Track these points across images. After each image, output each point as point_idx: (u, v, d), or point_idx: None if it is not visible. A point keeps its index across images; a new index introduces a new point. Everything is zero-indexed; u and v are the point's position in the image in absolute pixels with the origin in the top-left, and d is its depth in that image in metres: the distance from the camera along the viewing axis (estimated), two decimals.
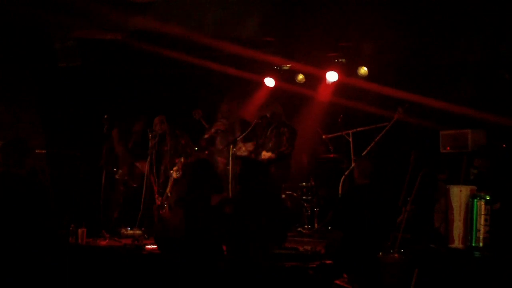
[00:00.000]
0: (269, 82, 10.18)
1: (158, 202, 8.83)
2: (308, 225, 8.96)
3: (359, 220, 6.31)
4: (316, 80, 9.92)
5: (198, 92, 10.01)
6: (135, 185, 9.02)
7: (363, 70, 9.35)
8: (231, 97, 9.12)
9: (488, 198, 5.28)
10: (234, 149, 8.67)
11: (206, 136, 8.89)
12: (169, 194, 8.70)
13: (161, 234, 6.94)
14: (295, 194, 8.99)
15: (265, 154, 8.55)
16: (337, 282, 5.89)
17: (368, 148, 8.86)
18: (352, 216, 6.40)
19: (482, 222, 5.27)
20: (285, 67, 10.08)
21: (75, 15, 7.92)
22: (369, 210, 6.31)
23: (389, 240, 6.03)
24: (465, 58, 8.30)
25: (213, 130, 8.81)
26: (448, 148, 7.79)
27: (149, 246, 7.40)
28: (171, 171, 8.70)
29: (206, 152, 9.08)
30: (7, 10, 7.67)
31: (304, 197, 9.06)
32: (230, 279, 5.95)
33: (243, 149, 8.85)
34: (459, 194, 5.43)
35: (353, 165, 8.49)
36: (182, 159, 8.63)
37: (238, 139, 8.89)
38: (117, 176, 9.27)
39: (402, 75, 8.90)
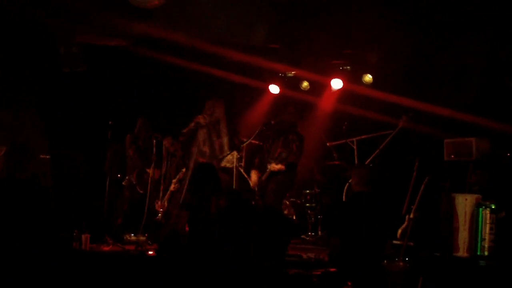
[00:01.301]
0: (274, 89, 10.17)
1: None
2: (311, 233, 8.93)
3: (357, 227, 6.27)
4: (320, 87, 9.91)
5: (202, 98, 9.99)
6: (142, 192, 8.97)
7: (368, 77, 9.33)
8: (219, 96, 8.97)
9: (493, 207, 5.27)
10: (221, 157, 8.53)
11: (184, 131, 8.60)
12: (165, 203, 8.65)
13: (163, 238, 6.94)
14: (298, 201, 8.96)
15: (275, 167, 8.43)
16: None
17: (373, 155, 8.84)
18: (350, 223, 6.36)
19: (487, 231, 5.26)
20: (290, 74, 10.07)
21: (80, 21, 7.93)
22: (367, 217, 6.27)
23: (387, 247, 5.99)
24: (470, 63, 8.26)
25: (192, 124, 8.50)
26: (452, 156, 7.76)
27: (152, 252, 7.38)
28: (173, 181, 8.67)
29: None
30: (10, 11, 7.67)
31: (307, 204, 9.03)
32: (232, 285, 5.93)
33: (229, 160, 8.59)
34: (464, 202, 5.42)
35: None
36: (184, 170, 8.58)
37: (242, 146, 8.77)
38: (123, 183, 9.25)
39: (407, 83, 8.88)
